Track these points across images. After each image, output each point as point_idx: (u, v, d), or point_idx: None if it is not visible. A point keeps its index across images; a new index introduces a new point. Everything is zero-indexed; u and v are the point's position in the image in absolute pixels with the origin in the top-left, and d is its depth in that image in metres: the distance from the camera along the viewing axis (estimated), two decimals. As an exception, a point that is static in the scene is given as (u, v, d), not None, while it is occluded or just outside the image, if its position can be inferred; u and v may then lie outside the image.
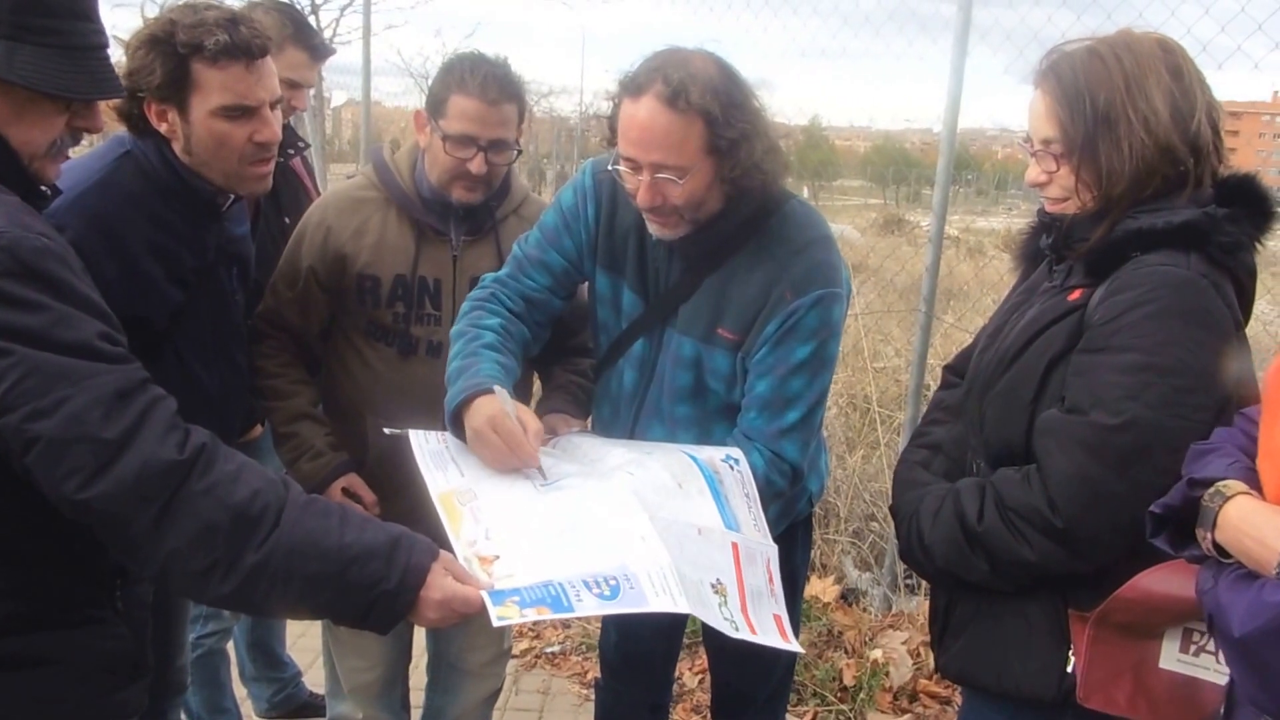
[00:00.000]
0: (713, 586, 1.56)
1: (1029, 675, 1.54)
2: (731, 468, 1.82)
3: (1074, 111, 1.48)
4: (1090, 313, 1.49)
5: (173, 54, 1.73)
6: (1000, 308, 1.79)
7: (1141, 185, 1.48)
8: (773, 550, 1.75)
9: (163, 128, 1.79)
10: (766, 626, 1.60)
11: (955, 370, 1.88)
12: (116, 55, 1.78)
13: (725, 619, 1.53)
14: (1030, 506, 1.47)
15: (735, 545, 1.67)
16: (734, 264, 1.88)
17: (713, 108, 1.70)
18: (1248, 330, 1.56)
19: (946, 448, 1.75)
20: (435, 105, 2.01)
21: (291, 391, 2.15)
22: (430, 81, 2.11)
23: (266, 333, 2.17)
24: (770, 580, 1.69)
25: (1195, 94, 1.47)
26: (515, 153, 2.06)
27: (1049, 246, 1.64)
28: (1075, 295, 1.53)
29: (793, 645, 1.62)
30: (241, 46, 1.75)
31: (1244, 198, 1.49)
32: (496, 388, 1.75)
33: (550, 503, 1.64)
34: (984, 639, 1.61)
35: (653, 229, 1.86)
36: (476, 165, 1.99)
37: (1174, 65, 1.48)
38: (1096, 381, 1.44)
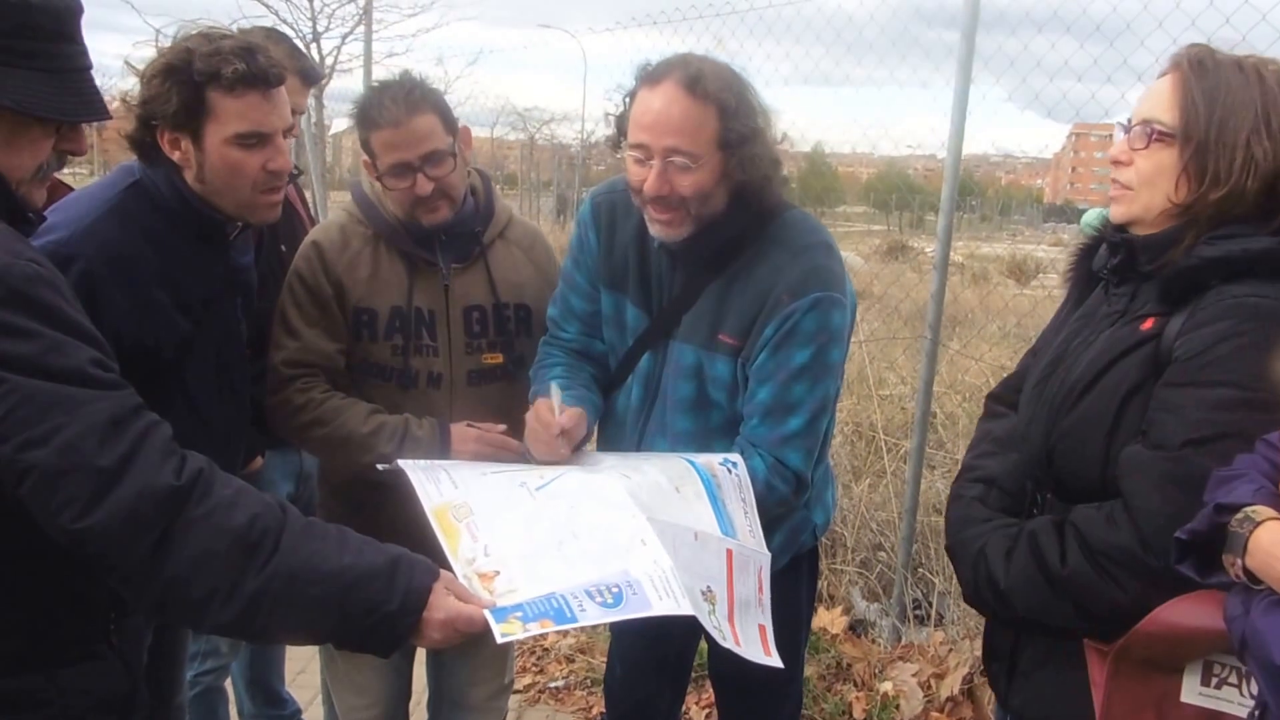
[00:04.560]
0: (703, 594, 1.55)
1: (1115, 718, 1.45)
2: (729, 471, 1.81)
3: (1208, 102, 1.45)
4: (1169, 343, 1.44)
5: (189, 82, 1.73)
6: (1049, 332, 1.74)
7: (1238, 200, 1.44)
8: (766, 559, 1.73)
9: (175, 156, 1.79)
10: (751, 638, 1.60)
11: (1001, 400, 1.82)
12: (130, 83, 1.80)
13: (713, 627, 1.52)
14: (1121, 548, 1.41)
15: (730, 552, 1.66)
16: (734, 269, 1.89)
17: (728, 100, 1.76)
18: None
19: (1001, 481, 1.69)
20: (366, 151, 2.03)
21: (350, 401, 2.07)
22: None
23: (296, 374, 2.07)
24: (760, 590, 1.68)
25: None
26: (453, 158, 2.01)
27: (1112, 268, 1.59)
28: (1148, 325, 1.48)
29: (774, 660, 1.60)
30: (259, 75, 1.76)
31: None
32: (553, 385, 1.91)
33: (546, 508, 1.61)
34: (1065, 679, 1.54)
35: (656, 229, 1.85)
36: (420, 187, 1.98)
37: None
38: (1188, 418, 1.38)
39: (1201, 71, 1.47)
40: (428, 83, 2.02)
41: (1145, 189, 1.49)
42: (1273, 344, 1.35)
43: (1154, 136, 1.47)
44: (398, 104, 1.95)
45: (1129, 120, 1.54)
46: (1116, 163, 1.53)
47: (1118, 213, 1.54)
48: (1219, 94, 1.44)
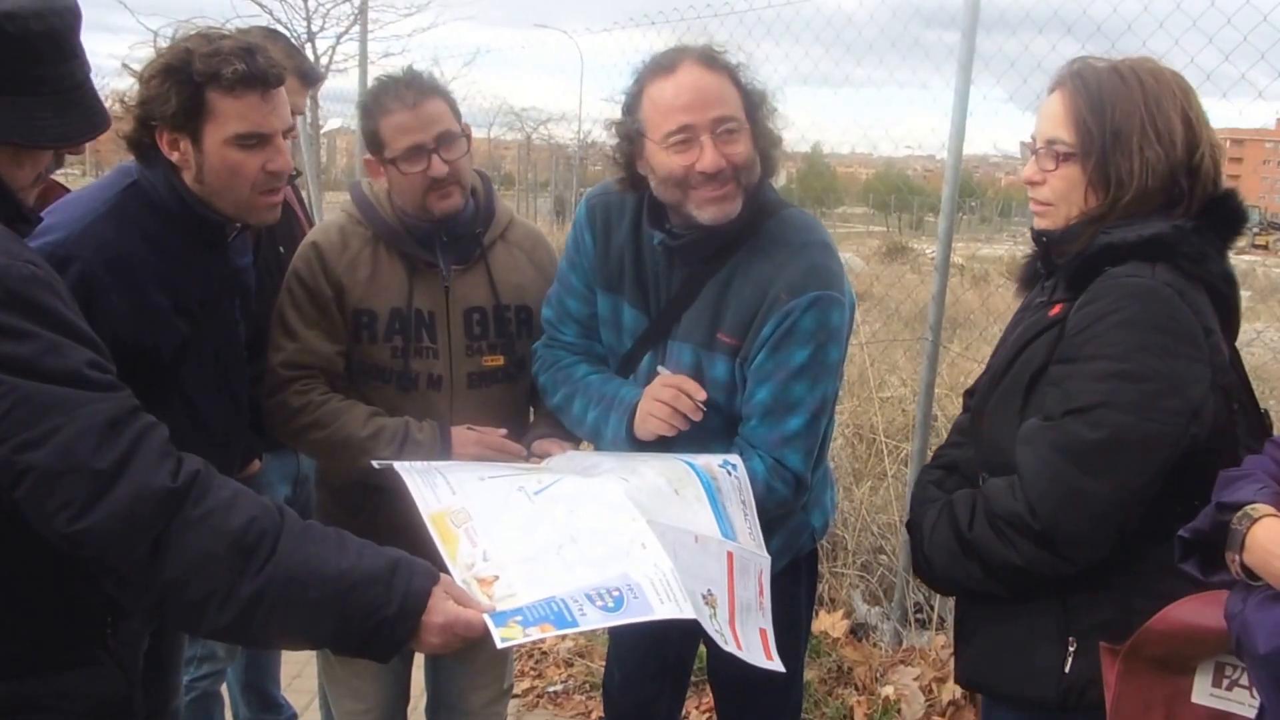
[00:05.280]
0: (704, 597, 1.55)
1: (1031, 677, 1.58)
2: (729, 473, 1.81)
3: (1097, 117, 1.55)
4: (1066, 325, 1.55)
5: (188, 83, 1.72)
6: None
7: (1145, 199, 1.54)
8: (766, 561, 1.74)
9: (174, 156, 1.78)
10: (752, 642, 1.60)
11: (972, 394, 1.90)
12: (128, 83, 1.79)
13: (715, 631, 1.52)
14: (1013, 512, 1.53)
15: (730, 555, 1.66)
16: (732, 267, 1.89)
17: (734, 68, 1.85)
18: (1255, 358, 1.57)
19: (961, 466, 1.79)
20: (374, 143, 2.02)
21: (349, 404, 2.06)
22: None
23: (295, 376, 2.06)
24: (760, 593, 1.69)
25: (1202, 131, 1.56)
26: (465, 140, 2.03)
27: (1038, 263, 1.71)
28: (1055, 310, 1.60)
29: (775, 664, 1.61)
30: (259, 76, 1.75)
31: (1218, 211, 1.57)
32: (661, 368, 1.95)
33: (545, 512, 1.61)
34: (990, 644, 1.66)
35: (711, 212, 1.83)
36: (435, 168, 1.98)
37: (1188, 99, 1.57)
38: (1070, 390, 1.50)
39: (1084, 86, 1.57)
40: (431, 75, 2.05)
41: (1062, 204, 1.61)
42: (1144, 319, 1.47)
43: (1061, 158, 1.58)
44: (410, 89, 1.97)
45: (1033, 139, 1.64)
46: (1031, 183, 1.64)
47: (1041, 224, 1.67)
48: (1105, 108, 1.54)
